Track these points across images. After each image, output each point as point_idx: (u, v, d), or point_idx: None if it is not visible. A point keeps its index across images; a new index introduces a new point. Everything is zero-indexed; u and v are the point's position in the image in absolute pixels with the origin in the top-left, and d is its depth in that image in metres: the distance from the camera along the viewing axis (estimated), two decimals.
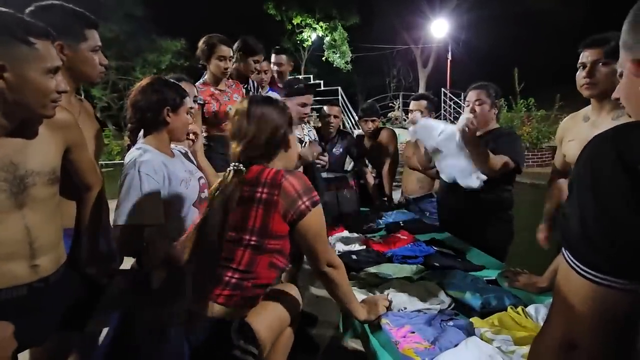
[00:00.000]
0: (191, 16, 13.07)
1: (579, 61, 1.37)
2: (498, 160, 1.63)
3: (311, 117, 2.06)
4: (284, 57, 2.82)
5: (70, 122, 1.08)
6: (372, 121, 2.64)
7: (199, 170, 1.43)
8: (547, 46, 15.57)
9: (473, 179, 1.68)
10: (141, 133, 1.32)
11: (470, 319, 1.03)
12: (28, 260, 0.95)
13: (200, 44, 2.10)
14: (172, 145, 1.40)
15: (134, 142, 1.30)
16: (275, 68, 2.78)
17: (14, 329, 0.89)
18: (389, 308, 1.12)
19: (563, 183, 1.69)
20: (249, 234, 1.00)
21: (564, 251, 0.48)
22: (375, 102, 3.07)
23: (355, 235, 1.91)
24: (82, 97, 1.38)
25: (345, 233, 1.92)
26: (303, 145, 2.06)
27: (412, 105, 2.43)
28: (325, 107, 2.56)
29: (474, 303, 1.10)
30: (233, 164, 1.08)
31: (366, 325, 1.09)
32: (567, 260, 0.47)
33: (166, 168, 1.25)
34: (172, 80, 1.33)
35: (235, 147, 1.09)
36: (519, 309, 1.05)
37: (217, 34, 2.11)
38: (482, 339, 0.94)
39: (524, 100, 8.11)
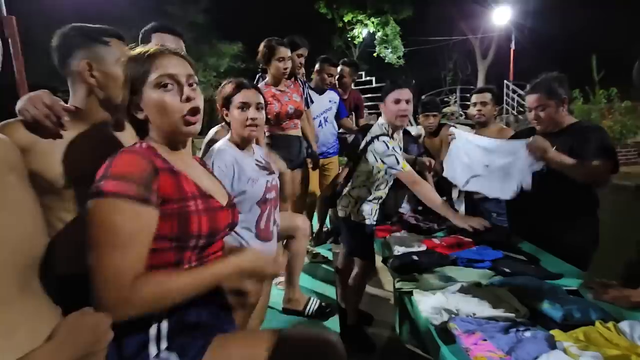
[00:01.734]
0: (247, 20, 13.67)
1: None
2: (597, 165, 1.53)
3: (406, 118, 1.85)
4: (347, 69, 2.98)
5: None
6: (434, 116, 2.55)
7: (274, 171, 1.50)
8: (631, 28, 13.67)
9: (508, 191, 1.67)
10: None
11: (550, 331, 0.95)
12: None
13: (261, 47, 2.21)
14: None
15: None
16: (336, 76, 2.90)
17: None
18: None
19: None
20: None
21: None
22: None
23: (415, 235, 1.86)
24: None
25: (404, 233, 1.89)
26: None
27: (475, 98, 2.31)
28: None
29: (554, 314, 1.02)
30: None
31: (433, 329, 1.06)
32: None
33: (237, 164, 1.33)
34: (232, 79, 1.43)
35: None
36: (610, 324, 0.94)
37: (275, 37, 2.20)
38: (565, 354, 0.86)
39: (604, 90, 7.24)
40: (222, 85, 1.43)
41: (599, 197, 1.67)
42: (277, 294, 1.88)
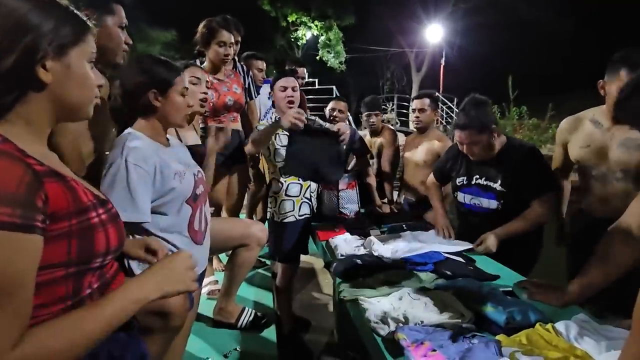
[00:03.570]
0: (183, 8, 12.77)
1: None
2: (538, 212, 1.60)
3: (293, 104, 1.92)
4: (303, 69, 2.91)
5: None
6: (376, 115, 2.59)
7: (197, 164, 1.30)
8: (539, 55, 15.91)
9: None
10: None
11: (497, 337, 0.93)
12: None
13: (200, 27, 1.98)
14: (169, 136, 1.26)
15: (121, 129, 1.16)
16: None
17: None
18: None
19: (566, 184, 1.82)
20: None
21: None
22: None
23: (357, 237, 1.80)
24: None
25: (347, 235, 1.82)
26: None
27: (415, 103, 2.36)
28: (331, 102, 2.53)
29: (497, 318, 1.01)
30: None
31: (380, 341, 0.98)
32: None
33: (158, 158, 1.11)
34: (162, 58, 1.19)
35: None
36: (549, 325, 0.95)
37: (217, 19, 1.99)
38: None
39: (517, 108, 8.18)
40: (148, 64, 1.16)
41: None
42: (207, 304, 1.67)
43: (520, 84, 8.27)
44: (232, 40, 1.97)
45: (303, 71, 2.93)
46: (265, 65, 2.68)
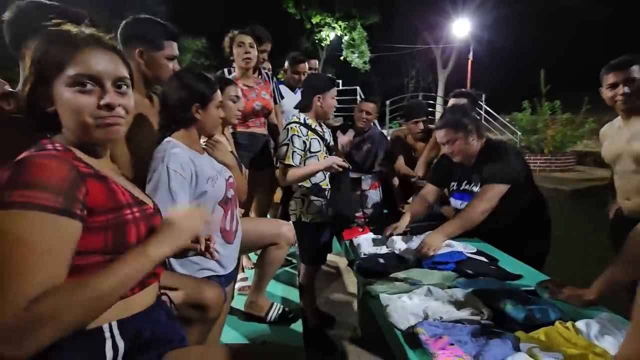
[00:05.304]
0: (212, 15, 13.26)
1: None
2: (482, 205, 1.57)
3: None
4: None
5: None
6: (424, 122, 2.52)
7: (228, 169, 1.41)
8: (574, 46, 15.05)
9: None
10: None
11: (515, 333, 0.96)
12: None
13: (225, 39, 2.13)
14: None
15: (164, 137, 1.28)
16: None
17: None
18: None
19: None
20: None
21: None
22: (394, 102, 3.02)
23: (381, 237, 1.85)
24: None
25: (371, 235, 1.87)
26: (326, 144, 2.01)
27: (452, 102, 2.34)
28: (360, 104, 2.59)
29: (516, 315, 1.03)
30: None
31: (400, 334, 1.03)
32: None
33: (193, 165, 1.22)
34: (202, 73, 1.30)
35: None
36: (569, 323, 0.97)
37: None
38: (529, 356, 0.87)
39: (550, 102, 7.83)
40: (190, 80, 1.26)
41: (544, 209, 1.75)
42: (239, 299, 1.78)
43: (554, 77, 7.92)
44: (250, 41, 2.06)
45: (315, 63, 3.04)
46: (306, 67, 2.67)
